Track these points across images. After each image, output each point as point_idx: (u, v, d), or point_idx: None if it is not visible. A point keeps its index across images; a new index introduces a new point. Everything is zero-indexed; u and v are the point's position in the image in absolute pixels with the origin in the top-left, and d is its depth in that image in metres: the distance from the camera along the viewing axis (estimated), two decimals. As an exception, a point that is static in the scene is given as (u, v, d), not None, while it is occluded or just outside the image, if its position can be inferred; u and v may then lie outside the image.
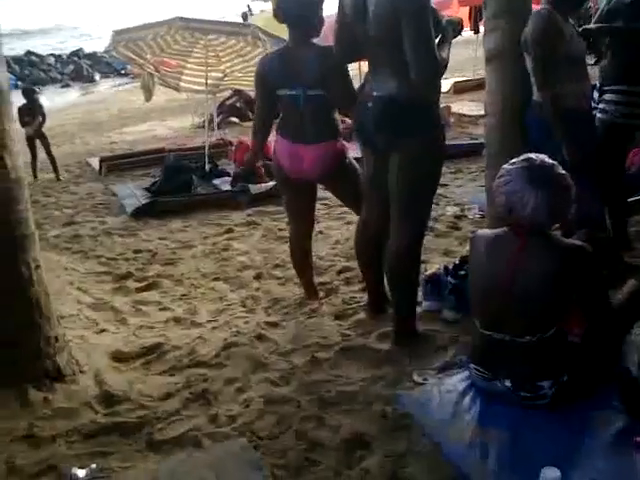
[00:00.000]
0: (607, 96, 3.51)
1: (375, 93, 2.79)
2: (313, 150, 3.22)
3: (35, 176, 7.92)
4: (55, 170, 7.98)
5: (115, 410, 2.68)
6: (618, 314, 2.32)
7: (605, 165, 3.58)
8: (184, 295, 3.97)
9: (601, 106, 3.53)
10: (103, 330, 3.51)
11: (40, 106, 8.16)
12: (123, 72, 13.53)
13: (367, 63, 2.92)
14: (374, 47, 2.76)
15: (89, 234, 5.42)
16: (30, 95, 8.12)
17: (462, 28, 3.01)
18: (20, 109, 7.75)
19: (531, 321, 2.18)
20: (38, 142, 7.99)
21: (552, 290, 2.14)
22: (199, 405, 2.69)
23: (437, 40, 2.79)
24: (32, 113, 7.88)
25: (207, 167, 6.90)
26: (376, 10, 2.65)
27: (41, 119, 8.01)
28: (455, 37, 2.92)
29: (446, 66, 2.76)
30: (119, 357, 3.17)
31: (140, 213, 5.85)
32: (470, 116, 8.74)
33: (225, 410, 2.63)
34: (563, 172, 2.18)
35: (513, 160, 2.22)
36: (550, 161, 2.20)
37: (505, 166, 2.23)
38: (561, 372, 2.20)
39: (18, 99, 7.44)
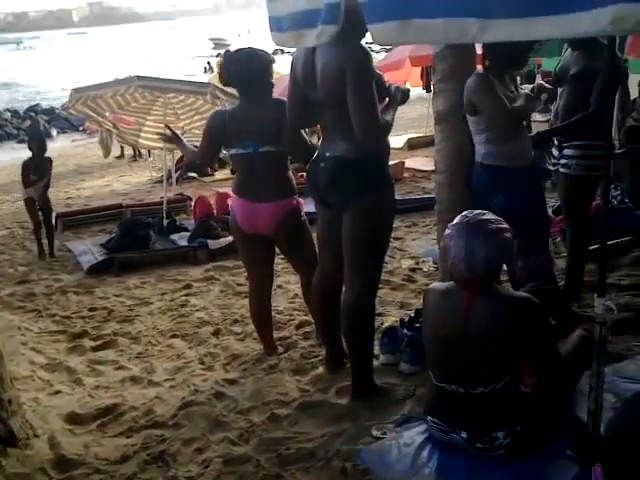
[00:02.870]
0: (567, 152, 3.71)
1: (327, 154, 2.89)
2: (266, 208, 3.30)
3: (51, 253, 6.54)
4: (51, 245, 6.58)
5: (70, 475, 2.62)
6: (567, 363, 2.40)
7: (570, 216, 3.77)
8: (141, 353, 3.93)
9: (562, 162, 3.73)
10: (58, 392, 3.44)
11: (50, 162, 6.67)
12: (81, 128, 13.52)
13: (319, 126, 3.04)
14: (324, 110, 2.87)
15: (43, 292, 5.34)
16: (40, 147, 6.56)
17: (408, 98, 3.13)
18: (26, 165, 6.46)
19: (483, 372, 2.24)
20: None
21: (503, 342, 2.20)
22: (157, 467, 2.65)
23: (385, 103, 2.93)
24: (40, 170, 6.46)
25: (165, 222, 6.90)
26: (323, 74, 2.77)
27: (48, 179, 6.59)
28: (402, 103, 3.05)
29: (390, 127, 2.87)
30: (74, 419, 3.11)
31: (96, 270, 5.81)
32: (423, 171, 8.99)
33: (184, 472, 2.59)
34: (500, 225, 2.28)
35: (459, 216, 2.33)
36: (487, 215, 2.30)
37: (450, 224, 2.33)
38: (515, 422, 2.25)
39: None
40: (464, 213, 2.32)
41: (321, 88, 2.81)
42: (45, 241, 6.63)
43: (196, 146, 10.84)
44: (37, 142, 6.61)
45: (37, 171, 6.43)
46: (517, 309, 2.23)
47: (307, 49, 2.86)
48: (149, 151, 11.28)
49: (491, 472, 2.25)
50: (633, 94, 8.69)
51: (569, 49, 3.83)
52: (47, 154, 6.66)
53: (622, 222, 4.90)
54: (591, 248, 3.85)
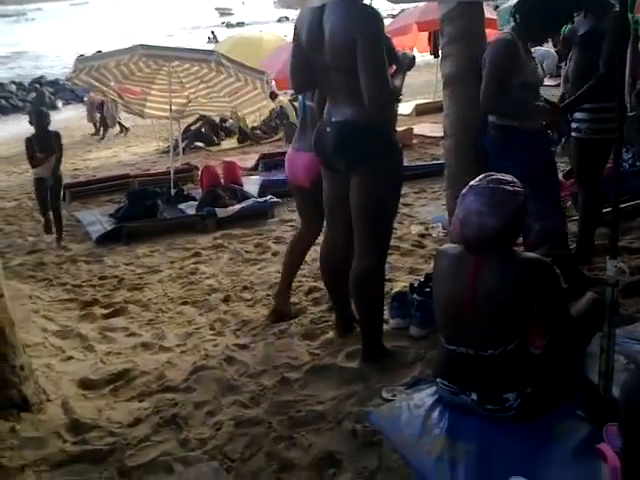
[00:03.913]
0: (577, 115, 3.65)
1: (333, 119, 2.86)
2: (304, 157, 3.31)
3: (59, 239, 5.93)
4: (59, 230, 5.99)
5: (84, 438, 2.65)
6: (578, 325, 2.39)
7: (582, 180, 3.72)
8: (151, 320, 3.96)
9: (573, 125, 3.68)
10: (70, 358, 3.47)
11: (57, 136, 5.92)
12: (85, 99, 13.52)
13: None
14: (330, 74, 2.82)
15: (53, 261, 5.36)
16: (41, 120, 5.85)
17: (414, 65, 3.09)
18: (29, 142, 5.81)
19: (494, 335, 2.24)
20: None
21: (513, 304, 2.20)
22: (169, 430, 2.68)
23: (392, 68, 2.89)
24: (46, 147, 5.77)
25: (172, 192, 6.90)
26: (331, 38, 2.72)
27: (58, 155, 5.91)
28: (409, 69, 3.00)
29: (399, 94, 2.84)
30: (87, 384, 3.15)
31: (105, 239, 5.82)
32: (432, 137, 8.92)
33: (196, 434, 2.62)
34: (515, 187, 2.25)
35: (470, 183, 2.30)
36: (501, 178, 2.27)
37: (465, 188, 2.31)
38: (525, 384, 2.25)
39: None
40: (479, 177, 2.30)
41: (329, 52, 2.76)
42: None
43: (202, 115, 10.69)
44: (37, 116, 5.92)
45: (43, 148, 5.76)
46: (527, 271, 2.22)
47: (313, 11, 2.81)
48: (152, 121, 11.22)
49: (501, 432, 2.26)
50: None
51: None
52: (53, 127, 6.06)
53: (633, 185, 4.86)
54: (603, 211, 3.82)
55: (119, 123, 14.30)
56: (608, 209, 3.99)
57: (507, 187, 2.25)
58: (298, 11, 3.05)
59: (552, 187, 3.35)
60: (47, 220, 6.08)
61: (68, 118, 17.82)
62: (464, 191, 2.29)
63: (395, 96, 2.82)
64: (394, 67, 2.93)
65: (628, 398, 0.88)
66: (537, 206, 2.91)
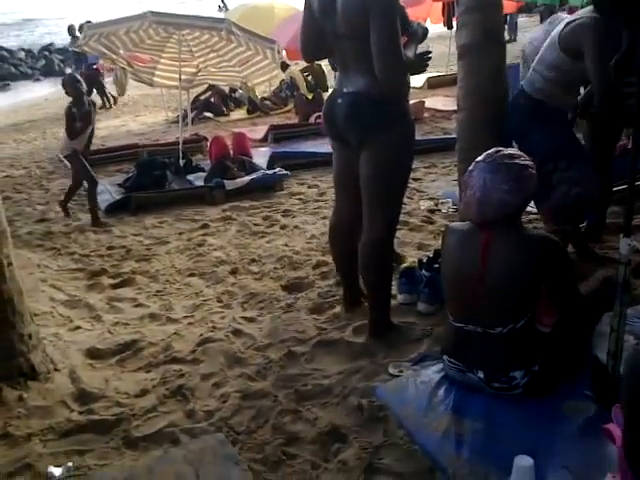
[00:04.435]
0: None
1: (345, 89, 2.81)
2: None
3: (95, 221, 5.44)
4: (93, 212, 5.52)
5: (91, 408, 2.67)
6: (587, 304, 2.36)
7: (593, 156, 3.68)
8: (159, 291, 3.96)
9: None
10: (77, 327, 3.49)
11: (93, 105, 5.71)
12: (95, 67, 13.33)
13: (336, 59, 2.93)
14: (343, 44, 2.77)
15: (62, 231, 5.36)
16: (75, 89, 5.47)
17: (426, 37, 3.02)
18: (70, 110, 5.44)
19: (502, 312, 2.21)
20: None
21: (521, 281, 2.17)
22: (176, 401, 2.70)
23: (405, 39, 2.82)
24: (83, 117, 5.43)
25: (181, 163, 6.86)
26: (345, 7, 2.66)
27: (92, 127, 5.65)
28: (422, 40, 2.94)
29: (411, 66, 2.78)
30: (94, 354, 3.17)
31: (114, 209, 5.80)
32: (444, 111, 8.81)
33: (202, 406, 2.63)
34: (522, 163, 2.21)
35: (478, 158, 2.25)
36: (512, 153, 2.22)
37: (474, 162, 2.26)
38: (533, 362, 2.23)
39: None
40: (489, 151, 2.25)
41: (342, 21, 2.71)
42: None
43: (211, 85, 10.58)
44: (71, 85, 5.49)
45: (80, 118, 5.42)
46: (535, 248, 2.19)
47: None
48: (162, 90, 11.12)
49: (508, 410, 2.24)
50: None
51: None
52: (63, 92, 5.69)
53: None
54: (615, 189, 3.76)
55: (104, 94, 13.63)
56: (621, 187, 3.95)
57: (520, 161, 2.21)
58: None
59: (582, 155, 3.32)
60: (66, 211, 5.78)
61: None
62: (474, 168, 2.24)
63: (408, 67, 2.76)
64: (406, 38, 2.87)
65: (630, 378, 0.86)
66: (571, 174, 3.05)
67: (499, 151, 2.25)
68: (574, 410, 2.22)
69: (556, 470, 1.97)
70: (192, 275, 4.18)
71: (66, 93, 5.63)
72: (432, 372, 2.53)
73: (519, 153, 2.25)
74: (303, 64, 10.69)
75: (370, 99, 2.74)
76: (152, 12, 6.64)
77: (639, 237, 3.70)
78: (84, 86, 5.64)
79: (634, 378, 0.84)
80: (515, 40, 16.05)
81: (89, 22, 9.17)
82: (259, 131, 8.64)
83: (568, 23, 3.18)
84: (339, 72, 2.93)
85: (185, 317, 3.54)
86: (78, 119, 5.43)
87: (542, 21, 14.39)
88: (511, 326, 2.22)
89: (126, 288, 4.06)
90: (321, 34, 2.87)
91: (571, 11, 8.01)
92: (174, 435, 2.44)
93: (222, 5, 29.78)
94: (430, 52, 2.93)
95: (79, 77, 5.83)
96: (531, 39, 4.96)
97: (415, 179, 5.85)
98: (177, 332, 3.32)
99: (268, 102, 11.38)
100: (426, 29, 3.02)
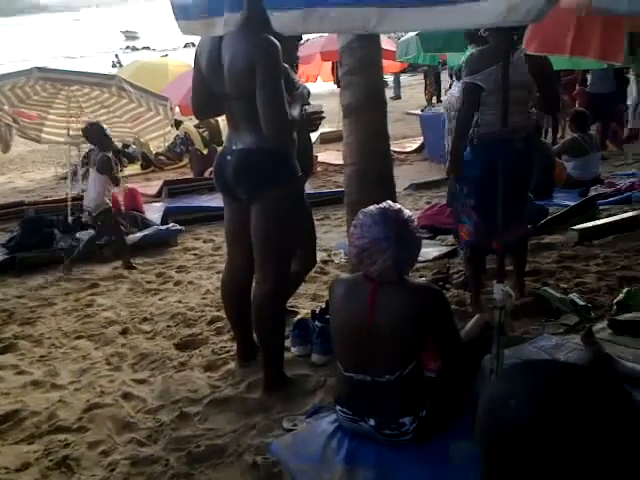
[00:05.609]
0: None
1: (234, 147, 2.86)
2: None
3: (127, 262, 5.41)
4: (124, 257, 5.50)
5: (-35, 486, 2.47)
6: (469, 347, 2.47)
7: None
8: (43, 356, 3.75)
9: None
10: (-48, 400, 3.23)
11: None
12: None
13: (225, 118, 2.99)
14: (231, 103, 2.83)
15: None
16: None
17: (309, 95, 3.13)
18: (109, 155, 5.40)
19: (389, 361, 2.27)
20: None
21: (407, 330, 2.24)
22: (60, 473, 2.56)
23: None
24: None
25: (70, 220, 6.62)
26: (231, 67, 2.73)
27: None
28: (306, 100, 3.04)
29: (297, 124, 2.85)
30: (-30, 428, 2.93)
31: (-4, 271, 5.49)
32: (336, 165, 9.06)
33: (88, 476, 2.51)
34: (414, 226, 2.28)
35: (366, 211, 2.28)
36: (404, 214, 2.26)
37: (359, 216, 2.30)
38: (420, 407, 2.29)
39: None
40: (378, 210, 2.26)
41: (228, 81, 2.76)
42: None
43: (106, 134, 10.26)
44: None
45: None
46: (420, 298, 2.26)
47: (212, 40, 2.81)
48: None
49: (399, 457, 2.28)
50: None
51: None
52: None
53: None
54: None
55: None
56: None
57: (409, 223, 2.26)
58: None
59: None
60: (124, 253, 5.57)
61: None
62: (363, 220, 2.25)
63: (294, 124, 2.84)
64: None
65: (487, 427, 0.88)
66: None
67: (385, 205, 2.31)
68: (462, 450, 2.28)
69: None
70: (79, 337, 3.99)
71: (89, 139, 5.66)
72: (326, 423, 2.54)
73: (401, 208, 2.32)
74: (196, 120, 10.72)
75: (258, 156, 2.80)
76: (38, 68, 6.49)
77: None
78: None
79: (490, 427, 0.89)
80: (400, 97, 16.93)
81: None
82: (153, 186, 8.53)
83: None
84: (229, 129, 2.98)
85: (71, 382, 3.37)
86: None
87: (426, 79, 15.28)
88: (398, 374, 2.27)
89: (7, 354, 3.82)
90: (211, 93, 2.91)
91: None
92: (57, 510, 2.29)
93: (116, 60, 29.57)
94: (322, 112, 3.03)
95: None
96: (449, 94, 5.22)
97: (309, 231, 5.94)
98: (62, 399, 3.15)
99: (162, 157, 11.28)
100: (309, 90, 3.14)
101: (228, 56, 2.74)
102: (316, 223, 6.18)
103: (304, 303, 4.07)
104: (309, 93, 3.09)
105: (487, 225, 3.45)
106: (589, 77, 9.05)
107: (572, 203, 5.47)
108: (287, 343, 3.27)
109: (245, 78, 2.68)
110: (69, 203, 6.84)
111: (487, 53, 3.45)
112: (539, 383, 0.85)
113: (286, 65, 2.98)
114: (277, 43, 2.69)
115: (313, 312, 3.51)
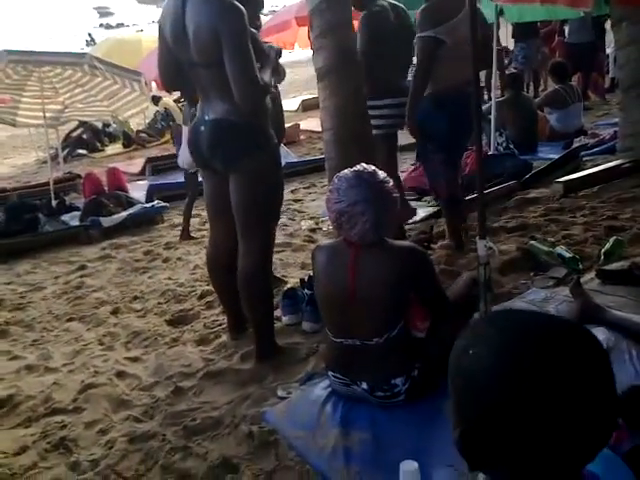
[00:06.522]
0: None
1: (206, 117, 2.81)
2: None
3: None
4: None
5: (-37, 473, 2.47)
6: (457, 305, 2.48)
7: None
8: (36, 340, 3.74)
9: None
10: (-54, 389, 3.23)
11: None
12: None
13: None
14: (199, 72, 2.76)
15: None
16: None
17: (281, 55, 3.07)
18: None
19: (376, 324, 2.28)
20: None
21: (391, 291, 2.24)
22: (58, 454, 2.55)
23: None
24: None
25: (54, 203, 6.57)
26: (196, 35, 2.66)
27: None
28: (277, 61, 2.99)
29: (268, 89, 2.81)
30: (-33, 415, 2.94)
31: (-19, 259, 5.46)
32: (319, 132, 8.92)
33: (87, 455, 2.51)
34: (390, 186, 2.27)
35: (341, 175, 2.27)
36: (379, 176, 2.26)
37: (334, 181, 2.28)
38: (411, 368, 2.31)
39: None
40: (353, 173, 2.25)
41: (195, 50, 2.69)
42: None
43: (82, 121, 10.25)
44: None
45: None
46: (401, 258, 2.26)
47: (175, 9, 2.72)
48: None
49: (393, 418, 2.31)
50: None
51: None
52: None
53: (507, 166, 5.12)
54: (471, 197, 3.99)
55: None
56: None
57: (386, 184, 2.26)
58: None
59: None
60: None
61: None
62: (339, 184, 2.25)
63: (265, 90, 2.79)
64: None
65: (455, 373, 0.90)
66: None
67: (361, 168, 2.30)
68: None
69: (442, 469, 2.04)
70: (71, 320, 3.98)
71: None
72: (319, 389, 2.57)
73: (376, 170, 2.31)
74: (177, 94, 10.58)
75: (232, 126, 2.75)
76: (8, 51, 6.35)
77: (503, 237, 3.95)
78: None
79: (453, 374, 0.90)
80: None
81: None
82: (136, 164, 8.47)
83: None
84: (200, 100, 2.92)
85: (65, 365, 3.36)
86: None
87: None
88: (386, 336, 2.28)
89: (-1, 341, 3.82)
90: (179, 63, 2.85)
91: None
92: (57, 491, 2.31)
93: (89, 39, 29.08)
94: (280, 49, 3.02)
95: None
96: None
97: (296, 200, 5.93)
98: (56, 382, 3.15)
99: (144, 134, 11.18)
100: (279, 49, 3.07)
101: (192, 25, 2.66)
102: (303, 192, 6.21)
103: (293, 272, 4.07)
104: (279, 52, 3.02)
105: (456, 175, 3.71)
106: (567, 27, 8.98)
107: (556, 156, 5.47)
108: (277, 313, 3.27)
109: (212, 47, 2.61)
110: (52, 186, 6.80)
111: (445, 5, 3.40)
112: (498, 334, 0.85)
113: (253, 30, 2.91)
114: (241, 8, 2.60)
115: (302, 280, 3.51)
